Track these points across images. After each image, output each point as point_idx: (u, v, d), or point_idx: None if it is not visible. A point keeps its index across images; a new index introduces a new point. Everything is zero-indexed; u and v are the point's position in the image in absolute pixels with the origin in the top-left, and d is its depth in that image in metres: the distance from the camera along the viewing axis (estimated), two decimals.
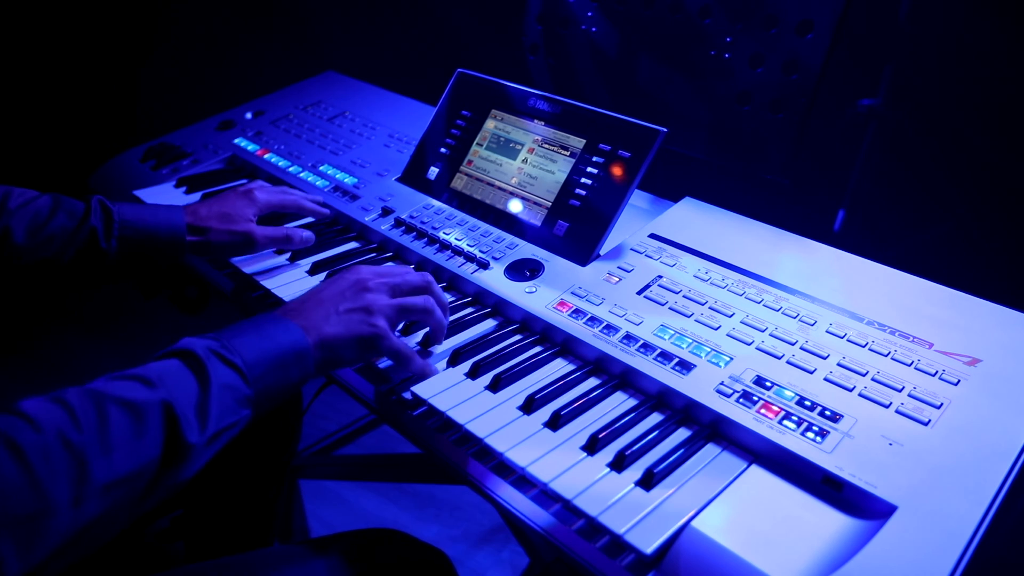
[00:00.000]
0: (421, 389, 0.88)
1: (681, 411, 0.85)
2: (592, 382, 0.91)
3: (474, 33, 2.01)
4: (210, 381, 0.70)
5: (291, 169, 1.43)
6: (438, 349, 0.96)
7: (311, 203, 1.22)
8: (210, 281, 1.18)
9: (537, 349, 0.97)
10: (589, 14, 1.34)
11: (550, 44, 1.40)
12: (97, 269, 1.03)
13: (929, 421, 0.77)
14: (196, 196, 1.36)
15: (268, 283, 1.10)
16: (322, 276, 1.12)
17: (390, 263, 1.12)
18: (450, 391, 0.88)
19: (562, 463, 0.77)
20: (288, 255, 1.16)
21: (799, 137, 1.12)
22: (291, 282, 1.11)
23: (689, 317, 0.95)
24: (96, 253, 1.02)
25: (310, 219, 1.27)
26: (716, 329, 0.92)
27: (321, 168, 1.42)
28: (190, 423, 0.67)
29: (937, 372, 0.83)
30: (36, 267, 1.00)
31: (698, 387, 0.84)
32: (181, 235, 1.06)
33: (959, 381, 0.81)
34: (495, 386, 0.88)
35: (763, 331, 0.91)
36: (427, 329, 0.95)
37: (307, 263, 1.15)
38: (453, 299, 1.08)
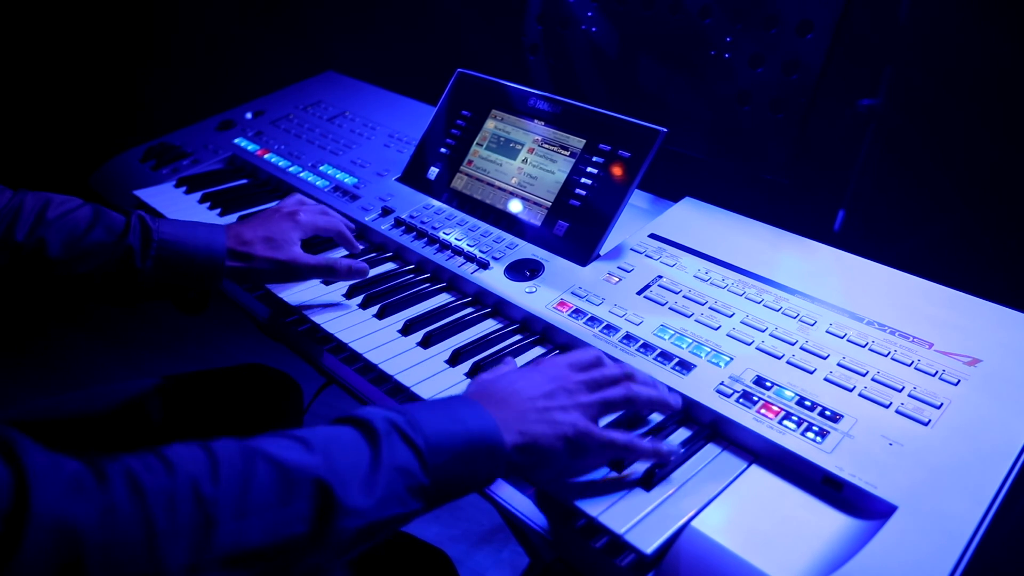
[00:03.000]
0: (420, 389, 0.88)
1: (681, 411, 0.85)
2: None
3: (474, 33, 2.01)
4: (381, 458, 0.60)
5: (291, 169, 1.43)
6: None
7: (349, 232, 1.15)
8: (242, 306, 1.13)
9: (537, 349, 0.97)
10: (589, 14, 1.34)
11: (550, 44, 1.41)
12: (130, 288, 0.99)
13: (929, 421, 0.77)
14: (196, 196, 1.36)
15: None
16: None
17: (574, 352, 0.83)
18: (450, 391, 0.88)
19: None
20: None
21: (799, 137, 1.12)
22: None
23: (689, 317, 0.95)
24: (130, 272, 0.97)
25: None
26: (716, 329, 0.92)
27: (321, 168, 1.42)
28: (349, 497, 0.56)
29: (937, 372, 0.83)
30: (68, 281, 0.97)
31: (698, 387, 0.84)
32: (220, 260, 1.01)
33: (959, 381, 0.81)
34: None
35: (763, 331, 0.91)
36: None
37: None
38: (453, 299, 1.08)
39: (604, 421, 0.81)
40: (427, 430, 0.63)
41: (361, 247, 1.18)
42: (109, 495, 0.48)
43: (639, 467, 0.76)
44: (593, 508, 0.71)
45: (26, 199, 0.98)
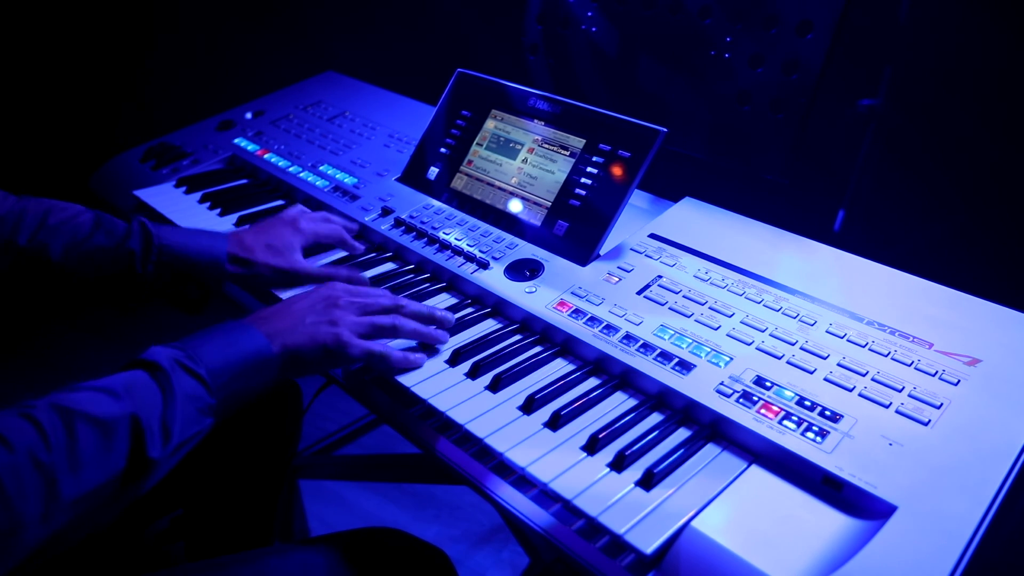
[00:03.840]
0: (420, 389, 0.88)
1: (681, 411, 0.85)
2: (592, 382, 0.91)
3: (474, 33, 2.01)
4: (174, 393, 0.71)
5: (291, 169, 1.43)
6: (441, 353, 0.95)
7: (351, 237, 1.18)
8: (232, 299, 1.15)
9: (537, 349, 0.97)
10: (589, 14, 1.34)
11: (550, 44, 1.40)
12: (131, 292, 1.01)
13: (929, 421, 0.77)
14: (196, 196, 1.36)
15: None
16: None
17: (361, 285, 1.04)
18: (450, 391, 0.88)
19: (562, 463, 0.77)
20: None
21: (799, 137, 1.12)
22: None
23: (689, 317, 0.95)
24: (131, 277, 1.00)
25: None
26: (716, 329, 0.92)
27: (321, 168, 1.42)
28: (154, 437, 0.68)
29: (937, 372, 0.83)
30: (70, 285, 0.99)
31: (698, 387, 0.84)
32: (221, 265, 1.04)
33: (959, 381, 0.81)
34: (495, 386, 0.88)
35: (763, 331, 0.91)
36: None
37: None
38: (453, 300, 1.08)
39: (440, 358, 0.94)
40: (207, 358, 0.76)
41: (362, 248, 1.19)
42: None
43: (639, 468, 0.76)
44: (593, 508, 0.71)
45: (28, 205, 1.00)
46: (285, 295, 1.07)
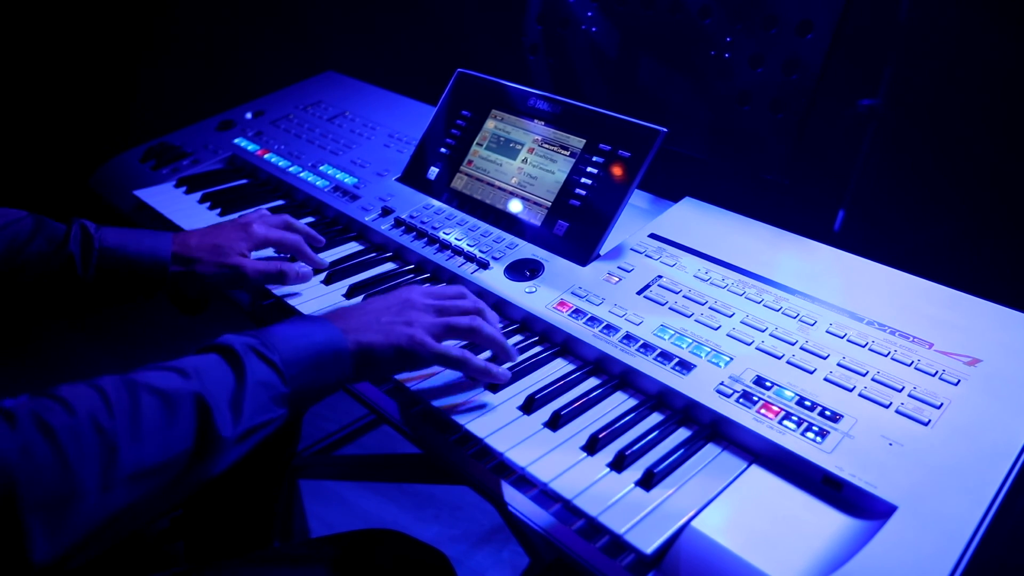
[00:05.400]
0: (420, 390, 0.88)
1: (681, 411, 0.85)
2: (592, 382, 0.91)
3: (474, 33, 2.01)
4: (246, 377, 0.70)
5: (291, 169, 1.43)
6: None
7: (311, 251, 1.14)
8: (233, 299, 1.15)
9: (537, 349, 0.97)
10: (589, 14, 1.34)
11: (550, 44, 1.40)
12: (74, 296, 0.98)
13: (929, 421, 0.77)
14: (196, 196, 1.36)
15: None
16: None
17: (440, 285, 1.01)
18: (452, 391, 0.88)
19: (562, 463, 0.77)
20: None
21: (799, 137, 1.12)
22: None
23: (689, 317, 0.95)
24: (72, 281, 0.97)
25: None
26: (716, 329, 0.92)
27: (321, 168, 1.42)
28: (223, 416, 0.67)
29: (937, 372, 0.83)
30: (9, 292, 0.96)
31: (698, 387, 0.84)
32: (164, 265, 1.01)
33: (959, 381, 0.81)
34: (495, 386, 0.88)
35: (763, 331, 0.91)
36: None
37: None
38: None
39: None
40: (281, 347, 0.74)
41: (327, 264, 1.15)
42: (23, 435, 0.57)
43: (639, 468, 0.76)
44: (593, 508, 0.71)
45: None
46: (279, 290, 1.07)
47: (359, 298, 1.07)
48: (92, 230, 1.00)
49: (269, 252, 1.15)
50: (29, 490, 0.55)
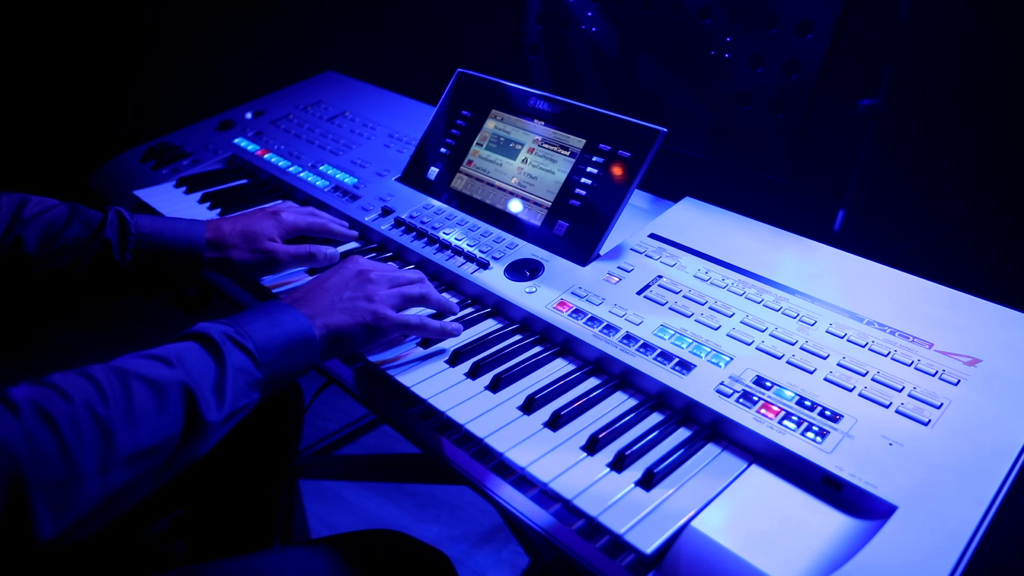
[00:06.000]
0: (420, 389, 0.88)
1: (681, 411, 0.85)
2: (592, 382, 0.91)
3: (474, 33, 2.01)
4: (225, 363, 0.74)
5: (291, 169, 1.43)
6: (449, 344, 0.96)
7: (339, 226, 1.19)
8: (232, 298, 1.16)
9: (537, 349, 0.97)
10: (589, 14, 1.34)
11: (550, 44, 1.41)
12: (110, 281, 1.01)
13: (929, 421, 0.77)
14: (196, 196, 1.36)
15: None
16: None
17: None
18: (450, 391, 0.88)
19: (562, 463, 0.77)
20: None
21: (799, 137, 1.12)
22: None
23: (689, 317, 0.95)
24: (109, 266, 1.00)
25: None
26: (716, 329, 0.92)
27: (321, 168, 1.42)
28: (208, 402, 0.71)
29: (937, 372, 0.83)
30: (47, 277, 0.98)
31: (698, 387, 0.84)
32: (199, 251, 1.04)
33: (959, 381, 0.81)
34: (495, 386, 0.88)
35: (763, 331, 0.91)
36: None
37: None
38: (453, 300, 1.08)
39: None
40: (255, 335, 0.78)
41: (355, 235, 1.22)
42: (25, 422, 0.60)
43: (639, 468, 0.76)
44: (593, 508, 0.71)
45: (2, 200, 0.99)
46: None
47: None
48: (128, 216, 1.02)
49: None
50: (34, 475, 0.58)
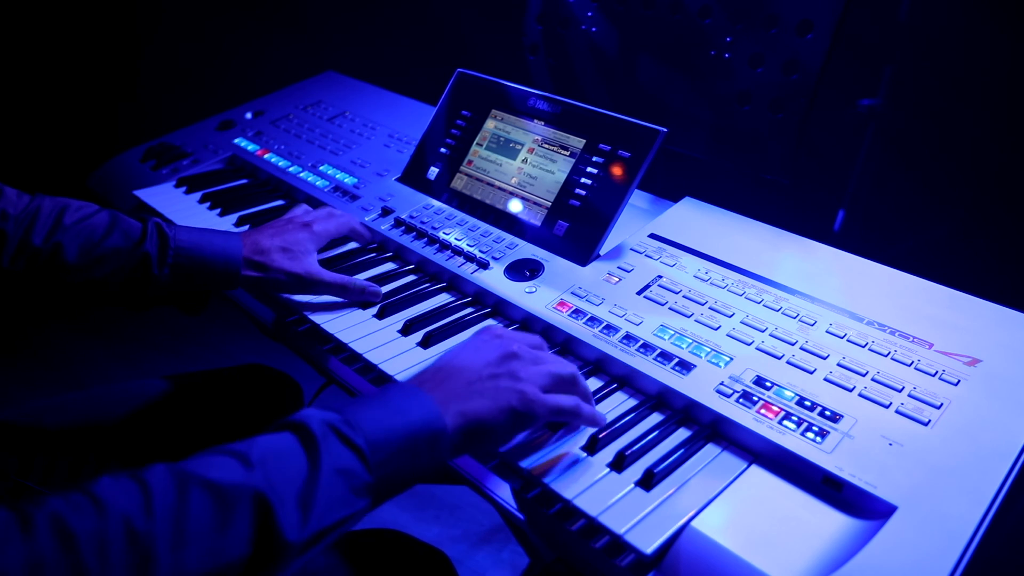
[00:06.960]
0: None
1: (681, 411, 0.85)
2: (592, 382, 0.91)
3: (474, 33, 2.01)
4: (321, 464, 0.59)
5: (291, 169, 1.43)
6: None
7: (361, 226, 1.20)
8: (243, 307, 1.14)
9: None
10: (589, 14, 1.34)
11: (550, 44, 1.41)
12: (145, 294, 1.00)
13: (929, 421, 0.77)
14: (196, 196, 1.36)
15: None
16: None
17: (505, 327, 0.94)
18: None
19: (562, 463, 0.77)
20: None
21: (799, 137, 1.12)
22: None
23: (689, 317, 0.95)
24: (147, 278, 0.98)
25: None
26: (716, 329, 0.92)
27: (321, 168, 1.42)
28: (290, 516, 0.56)
29: (937, 372, 0.83)
30: (84, 287, 0.97)
31: (698, 387, 0.84)
32: (236, 267, 1.02)
33: (959, 381, 0.81)
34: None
35: (763, 331, 0.91)
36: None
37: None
38: (453, 299, 1.08)
39: None
40: (366, 427, 0.63)
41: (369, 235, 1.22)
42: (35, 545, 0.48)
43: (639, 468, 0.76)
44: (593, 508, 0.71)
45: (44, 204, 0.99)
46: (297, 299, 1.06)
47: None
48: (167, 230, 1.01)
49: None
50: None
